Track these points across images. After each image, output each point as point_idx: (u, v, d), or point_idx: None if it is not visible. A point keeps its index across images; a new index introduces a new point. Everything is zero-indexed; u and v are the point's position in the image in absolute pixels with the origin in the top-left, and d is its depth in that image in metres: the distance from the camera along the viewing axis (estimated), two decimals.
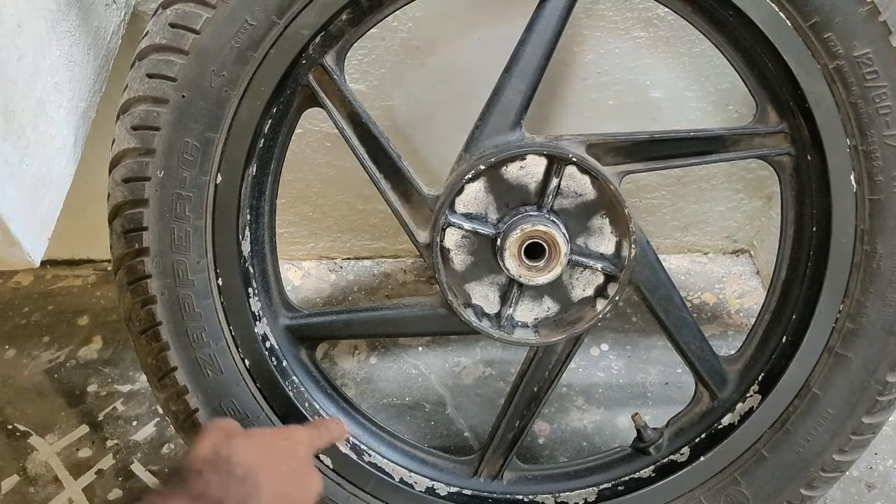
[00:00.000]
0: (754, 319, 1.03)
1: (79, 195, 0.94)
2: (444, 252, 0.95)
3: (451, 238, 0.94)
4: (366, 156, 0.94)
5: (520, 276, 0.93)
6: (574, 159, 0.90)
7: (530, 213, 0.92)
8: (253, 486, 0.74)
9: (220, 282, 0.94)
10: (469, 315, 0.97)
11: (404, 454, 1.07)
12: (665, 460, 1.05)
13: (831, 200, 0.90)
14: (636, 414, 1.07)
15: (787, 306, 0.99)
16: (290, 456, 0.82)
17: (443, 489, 1.06)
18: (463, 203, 0.93)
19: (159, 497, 0.68)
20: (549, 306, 0.98)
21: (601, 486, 1.06)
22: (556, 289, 0.97)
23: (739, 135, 0.95)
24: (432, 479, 1.06)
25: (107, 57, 1.01)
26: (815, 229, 0.94)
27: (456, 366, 1.41)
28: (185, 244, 0.91)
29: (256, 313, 0.98)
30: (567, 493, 1.06)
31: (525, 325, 0.99)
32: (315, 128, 1.33)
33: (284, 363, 1.01)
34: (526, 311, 0.98)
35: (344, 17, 0.89)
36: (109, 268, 1.51)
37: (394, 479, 1.04)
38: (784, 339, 0.99)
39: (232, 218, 0.93)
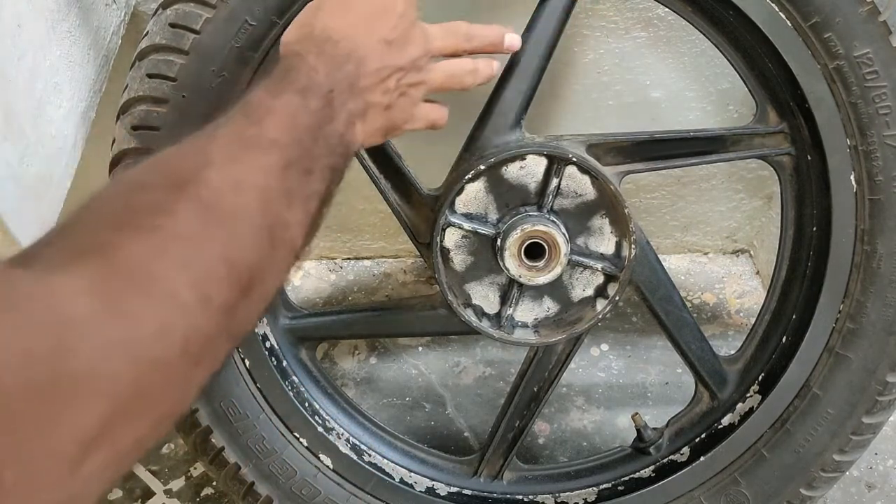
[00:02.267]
0: (754, 319, 1.03)
1: (79, 195, 0.94)
2: (444, 252, 0.94)
3: (451, 238, 0.94)
4: (366, 155, 0.94)
5: (520, 276, 0.92)
6: (574, 159, 0.90)
7: (530, 213, 0.92)
8: (358, 61, 0.66)
9: None
10: (469, 315, 0.97)
11: (404, 454, 1.07)
12: (665, 460, 1.05)
13: (831, 200, 0.90)
14: (636, 414, 1.07)
15: (787, 306, 0.99)
16: (388, 11, 0.70)
17: (443, 489, 1.06)
18: (463, 203, 0.93)
19: (266, 94, 0.61)
20: (549, 306, 0.98)
21: (601, 486, 1.06)
22: (556, 289, 0.97)
23: (739, 135, 0.95)
24: (432, 479, 1.06)
25: (107, 57, 1.01)
26: (815, 229, 0.94)
27: (456, 366, 1.41)
28: None
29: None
30: (567, 493, 1.06)
31: (525, 325, 0.99)
32: None
33: (284, 363, 1.01)
34: (526, 311, 0.98)
35: None
36: None
37: (394, 479, 1.04)
38: (784, 339, 0.99)
39: None
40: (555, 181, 0.91)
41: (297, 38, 0.68)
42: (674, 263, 1.56)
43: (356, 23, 0.68)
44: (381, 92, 0.69)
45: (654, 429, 1.06)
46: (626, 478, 1.06)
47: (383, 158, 0.94)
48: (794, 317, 0.98)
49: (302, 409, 1.01)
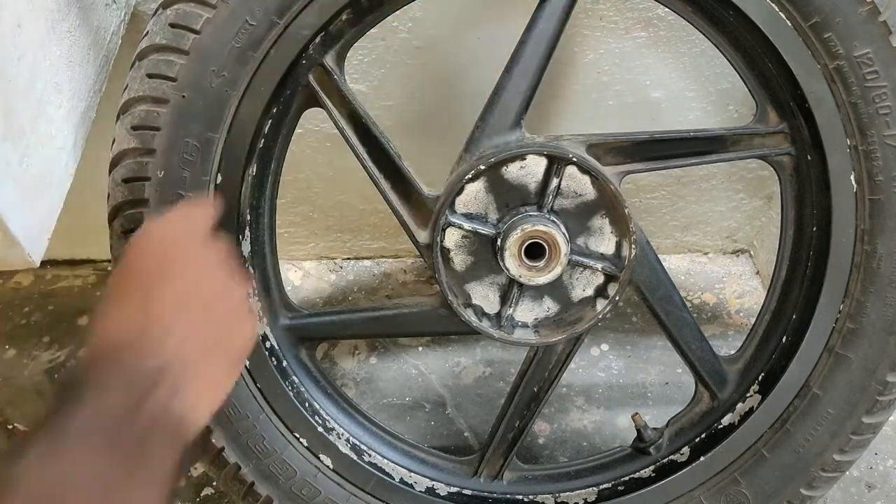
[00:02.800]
0: (754, 319, 1.03)
1: (79, 195, 0.94)
2: (445, 252, 0.94)
3: (452, 238, 0.94)
4: (366, 156, 0.94)
5: (520, 277, 0.92)
6: (574, 159, 0.90)
7: (530, 213, 0.92)
8: (172, 386, 0.61)
9: None
10: (469, 315, 0.97)
11: (404, 454, 1.07)
12: (665, 460, 1.05)
13: (831, 200, 0.90)
14: (636, 414, 1.07)
15: (787, 306, 0.99)
16: (219, 310, 0.67)
17: (443, 489, 1.06)
18: (463, 203, 0.93)
19: (66, 413, 0.56)
20: (549, 306, 0.98)
21: (601, 486, 1.06)
22: (556, 289, 0.97)
23: (739, 135, 0.95)
24: (432, 479, 1.06)
25: (107, 57, 1.01)
26: (815, 229, 0.94)
27: (456, 366, 1.41)
28: None
29: (257, 313, 0.98)
30: (567, 493, 1.06)
31: (525, 325, 0.99)
32: (315, 128, 1.32)
33: (284, 363, 1.01)
34: (526, 311, 0.98)
35: (344, 17, 0.89)
36: (109, 268, 1.50)
37: (394, 479, 1.04)
38: (784, 339, 0.99)
39: (232, 218, 0.93)
40: (555, 181, 0.91)
41: (96, 342, 0.64)
42: (674, 263, 1.56)
43: (183, 331, 0.64)
44: (192, 357, 0.64)
45: (654, 429, 1.06)
46: (626, 478, 1.06)
47: (383, 158, 0.94)
48: (794, 317, 0.98)
49: (302, 409, 1.00)
